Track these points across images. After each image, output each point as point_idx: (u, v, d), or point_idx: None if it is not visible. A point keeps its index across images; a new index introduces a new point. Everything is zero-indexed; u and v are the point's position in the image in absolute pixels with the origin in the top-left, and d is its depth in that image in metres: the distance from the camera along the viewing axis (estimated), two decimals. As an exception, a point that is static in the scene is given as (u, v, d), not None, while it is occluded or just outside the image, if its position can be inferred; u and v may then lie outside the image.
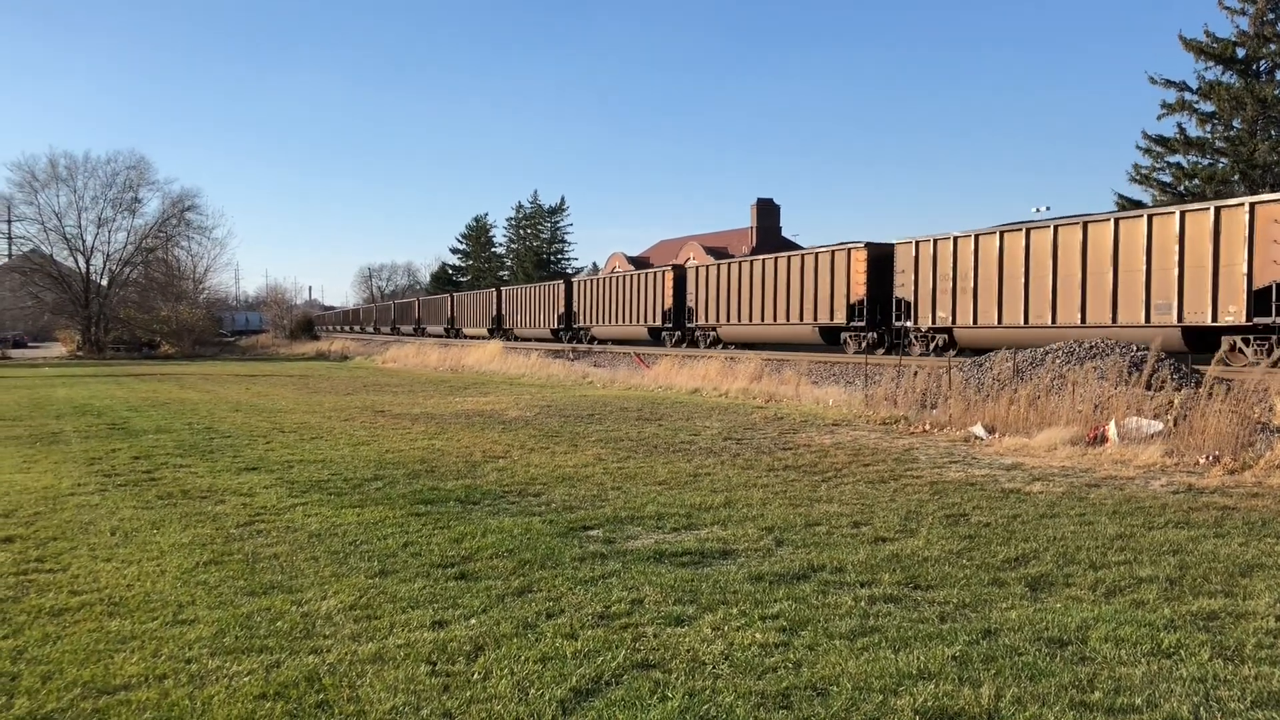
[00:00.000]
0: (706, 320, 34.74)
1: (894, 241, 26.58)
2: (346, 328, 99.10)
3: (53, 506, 8.94)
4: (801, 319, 29.49)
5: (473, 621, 5.38)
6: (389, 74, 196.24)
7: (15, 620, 5.51)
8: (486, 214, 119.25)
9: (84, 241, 60.39)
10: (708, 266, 35.57)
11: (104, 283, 60.89)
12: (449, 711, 4.20)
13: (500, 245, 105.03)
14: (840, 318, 27.85)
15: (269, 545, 7.27)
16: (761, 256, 32.96)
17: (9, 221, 60.37)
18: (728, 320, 33.42)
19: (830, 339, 28.91)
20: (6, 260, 61.96)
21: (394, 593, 5.95)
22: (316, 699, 4.34)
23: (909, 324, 25.67)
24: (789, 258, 30.65)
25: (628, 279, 41.19)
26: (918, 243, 25.22)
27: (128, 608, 5.72)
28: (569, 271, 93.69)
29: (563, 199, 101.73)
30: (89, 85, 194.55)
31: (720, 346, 32.96)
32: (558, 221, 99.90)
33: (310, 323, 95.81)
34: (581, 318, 45.08)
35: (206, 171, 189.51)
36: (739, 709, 4.16)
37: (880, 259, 26.84)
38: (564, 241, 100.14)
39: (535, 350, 38.34)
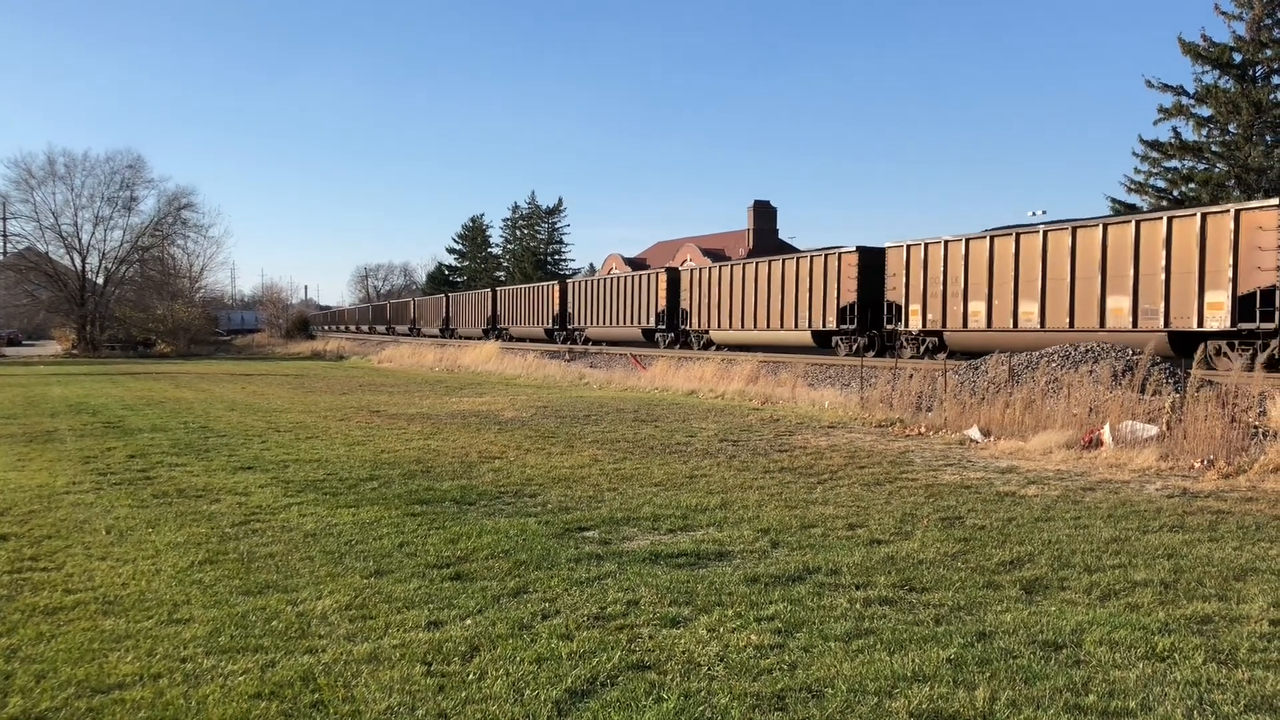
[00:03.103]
0: (700, 323, 35.21)
1: (885, 245, 26.96)
2: (342, 327, 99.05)
3: (47, 505, 8.93)
4: (796, 324, 29.91)
5: (468, 622, 5.38)
6: (387, 75, 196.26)
7: (9, 619, 5.50)
8: (483, 214, 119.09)
9: (80, 239, 60.29)
10: (701, 269, 36.05)
11: (100, 281, 60.72)
12: (444, 712, 4.20)
13: (497, 246, 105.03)
14: (831, 321, 28.32)
15: (264, 545, 7.26)
16: (754, 260, 33.53)
17: (4, 219, 60.35)
18: (720, 324, 33.82)
19: (822, 342, 29.33)
20: (2, 258, 61.80)
21: (389, 593, 5.94)
22: (311, 699, 4.34)
23: (899, 327, 26.00)
24: (781, 261, 31.04)
25: (622, 281, 41.68)
26: (909, 246, 25.49)
27: (122, 607, 5.71)
28: (566, 273, 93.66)
29: (560, 200, 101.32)
30: (88, 82, 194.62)
31: (714, 349, 33.33)
32: (555, 222, 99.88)
33: (306, 322, 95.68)
34: (576, 319, 45.58)
35: (203, 170, 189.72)
36: (734, 711, 4.17)
37: (871, 263, 27.28)
38: (561, 242, 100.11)
39: (531, 351, 38.39)
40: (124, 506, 8.84)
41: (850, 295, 27.59)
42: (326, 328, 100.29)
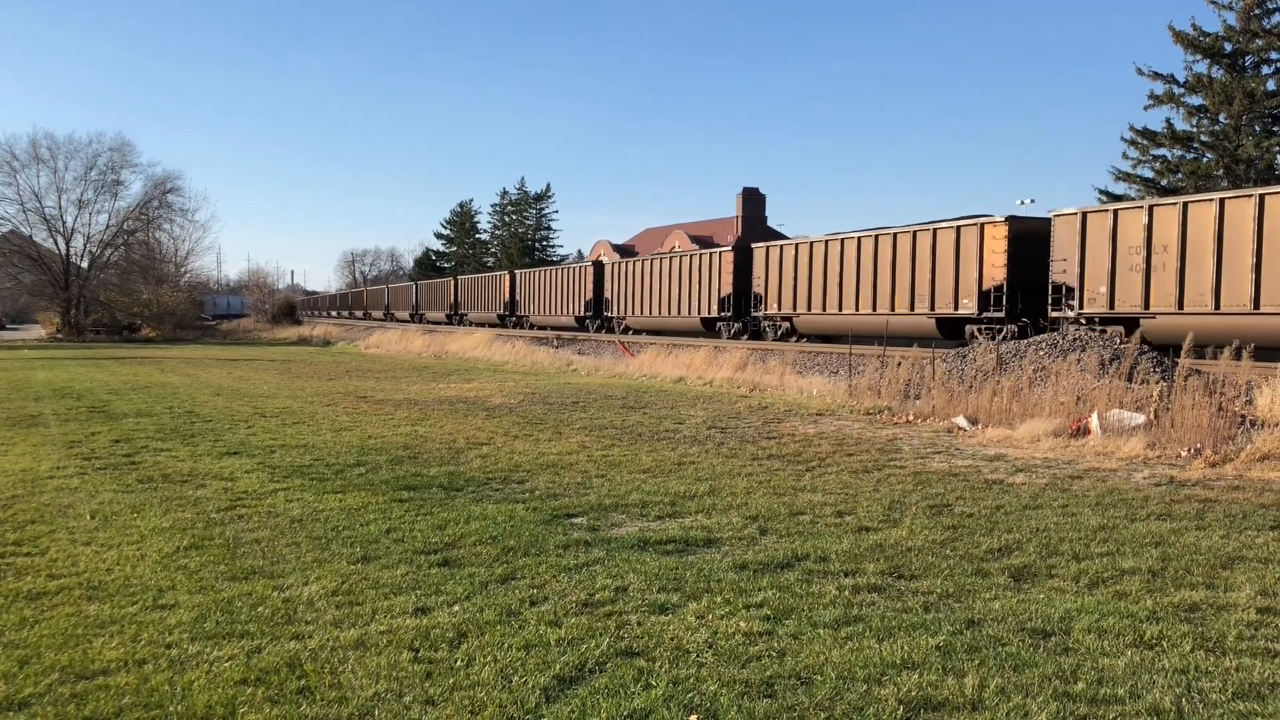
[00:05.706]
0: (619, 310, 40.09)
1: (753, 246, 32.46)
2: (327, 312, 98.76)
3: (31, 489, 8.86)
4: (687, 310, 35.02)
5: (456, 608, 5.36)
6: (375, 60, 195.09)
7: (-8, 604, 5.45)
8: (472, 200, 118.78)
9: (64, 223, 59.71)
10: (620, 263, 41.10)
11: (84, 265, 60.22)
12: (431, 698, 4.18)
13: (485, 231, 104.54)
14: (714, 310, 33.36)
15: (250, 530, 7.22)
16: (659, 255, 39.32)
17: (-13, 201, 59.63)
18: (634, 311, 38.55)
19: (709, 327, 33.99)
20: (-15, 241, 61.19)
21: (376, 579, 5.91)
22: (298, 685, 4.31)
23: (762, 313, 30.92)
24: (678, 257, 36.26)
25: (559, 272, 46.96)
26: (768, 248, 31.17)
27: (107, 592, 5.67)
28: (554, 259, 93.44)
29: (548, 186, 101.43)
30: (74, 65, 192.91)
31: (631, 333, 38.09)
32: (543, 208, 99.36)
33: (293, 307, 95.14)
34: (523, 306, 50.15)
35: (189, 153, 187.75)
36: (723, 697, 4.16)
37: (743, 260, 32.24)
38: (549, 229, 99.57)
39: (520, 337, 38.57)
40: (108, 491, 8.78)
41: (728, 287, 32.46)
42: (313, 313, 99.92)
